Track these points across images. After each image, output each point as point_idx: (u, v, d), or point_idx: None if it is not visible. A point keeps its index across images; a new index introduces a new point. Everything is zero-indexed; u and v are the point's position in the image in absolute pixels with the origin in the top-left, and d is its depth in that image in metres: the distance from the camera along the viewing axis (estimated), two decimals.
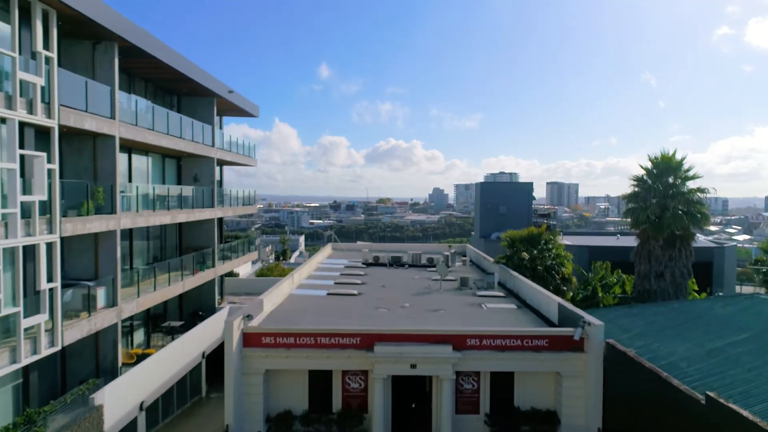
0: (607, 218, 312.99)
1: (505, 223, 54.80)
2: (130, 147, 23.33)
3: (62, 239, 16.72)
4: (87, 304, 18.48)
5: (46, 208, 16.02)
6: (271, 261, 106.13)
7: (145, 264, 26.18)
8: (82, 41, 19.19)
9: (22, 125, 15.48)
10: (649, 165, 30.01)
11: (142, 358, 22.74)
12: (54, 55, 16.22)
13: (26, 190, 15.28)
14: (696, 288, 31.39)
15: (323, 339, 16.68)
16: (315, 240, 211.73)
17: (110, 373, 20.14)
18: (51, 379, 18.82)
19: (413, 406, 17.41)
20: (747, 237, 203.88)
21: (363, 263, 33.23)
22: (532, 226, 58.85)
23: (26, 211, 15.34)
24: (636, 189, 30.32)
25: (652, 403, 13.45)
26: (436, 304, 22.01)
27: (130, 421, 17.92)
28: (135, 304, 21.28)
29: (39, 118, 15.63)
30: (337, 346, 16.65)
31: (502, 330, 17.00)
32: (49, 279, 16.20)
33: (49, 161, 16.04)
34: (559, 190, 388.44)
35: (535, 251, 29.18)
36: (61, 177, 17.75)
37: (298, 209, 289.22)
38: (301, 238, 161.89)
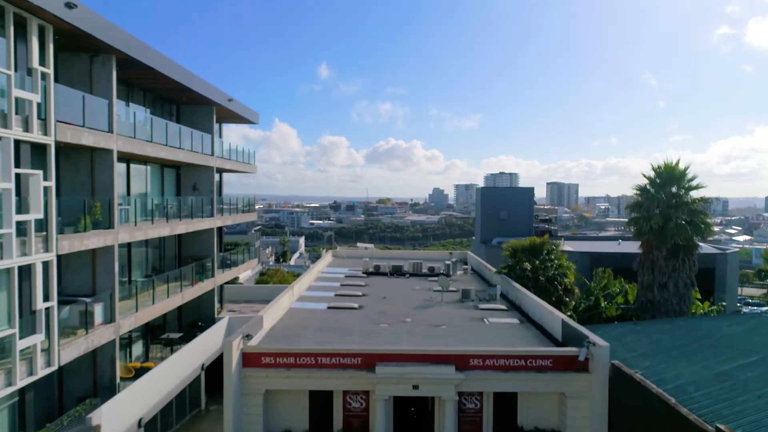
0: (607, 218, 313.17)
1: (506, 229, 54.66)
2: (129, 158, 23.06)
3: (59, 255, 16.47)
4: (84, 321, 18.21)
5: (42, 225, 15.76)
6: (271, 263, 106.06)
7: (144, 275, 25.93)
8: (80, 54, 18.91)
9: (18, 143, 15.24)
10: (652, 174, 29.79)
11: (140, 371, 22.47)
12: (50, 70, 15.95)
13: (22, 208, 15.01)
14: (699, 296, 31.18)
15: (324, 359, 16.43)
16: (315, 240, 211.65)
17: (108, 389, 19.89)
18: (48, 397, 18.57)
19: (415, 416, 17.15)
20: (747, 237, 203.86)
21: (364, 272, 32.97)
22: (533, 231, 59.17)
23: (22, 230, 15.09)
24: (639, 198, 30.13)
25: (660, 431, 13.21)
26: (438, 319, 21.76)
27: None
28: (133, 319, 21.02)
29: (35, 136, 15.36)
30: (338, 366, 16.40)
31: (505, 350, 16.75)
32: (46, 298, 15.93)
33: (45, 178, 15.78)
34: (560, 191, 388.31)
35: (537, 261, 28.92)
36: (58, 191, 17.50)
37: (298, 210, 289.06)
38: (301, 240, 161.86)
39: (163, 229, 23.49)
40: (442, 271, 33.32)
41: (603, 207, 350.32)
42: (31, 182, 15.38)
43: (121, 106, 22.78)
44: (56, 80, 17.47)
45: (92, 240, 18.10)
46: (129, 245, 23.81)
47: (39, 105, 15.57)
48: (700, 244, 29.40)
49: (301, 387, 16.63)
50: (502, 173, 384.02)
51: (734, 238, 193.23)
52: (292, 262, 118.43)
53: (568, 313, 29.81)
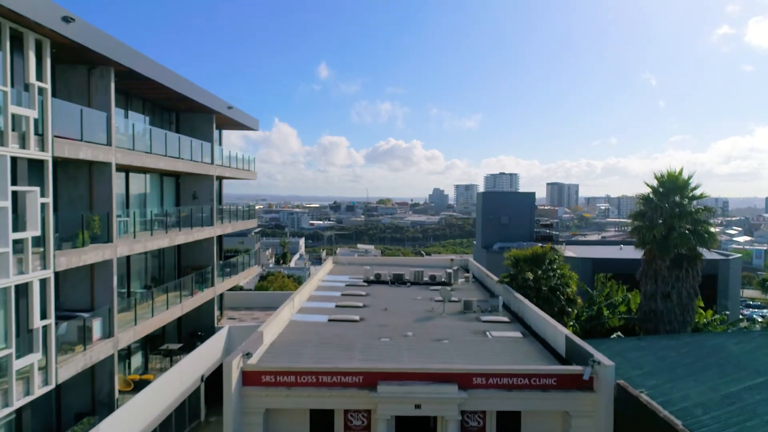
0: (608, 219, 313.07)
1: (508, 234, 54.44)
2: (128, 168, 22.83)
3: (56, 272, 16.24)
4: (82, 336, 17.99)
5: (39, 241, 15.53)
6: (271, 265, 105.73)
7: (144, 285, 25.72)
8: (77, 66, 18.68)
9: (14, 159, 15.01)
10: (655, 183, 29.61)
11: (139, 384, 22.27)
12: (47, 85, 15.71)
13: (19, 226, 14.77)
14: (702, 305, 30.97)
15: (325, 377, 16.20)
16: (315, 241, 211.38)
17: (107, 405, 19.66)
18: (45, 414, 18.34)
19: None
20: (748, 238, 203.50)
21: (364, 281, 32.75)
22: (534, 236, 58.98)
23: (19, 248, 14.86)
24: (642, 207, 29.97)
25: None
26: (440, 332, 21.54)
27: None
28: (132, 333, 20.78)
29: (32, 152, 15.12)
30: (339, 385, 16.18)
31: (509, 368, 16.53)
32: (43, 316, 15.70)
33: (42, 195, 15.53)
34: (560, 191, 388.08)
35: (539, 271, 28.70)
36: (56, 205, 17.26)
37: (298, 210, 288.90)
38: (301, 241, 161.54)
39: (162, 241, 23.25)
40: (443, 279, 33.10)
41: (603, 207, 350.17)
42: (28, 199, 15.14)
43: (120, 116, 22.54)
44: (54, 93, 17.27)
45: (90, 255, 17.86)
46: (128, 257, 23.59)
47: (36, 120, 15.34)
48: (704, 252, 29.16)
49: (302, 406, 16.41)
50: (502, 173, 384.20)
51: (734, 239, 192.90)
52: (292, 263, 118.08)
53: (571, 323, 29.62)
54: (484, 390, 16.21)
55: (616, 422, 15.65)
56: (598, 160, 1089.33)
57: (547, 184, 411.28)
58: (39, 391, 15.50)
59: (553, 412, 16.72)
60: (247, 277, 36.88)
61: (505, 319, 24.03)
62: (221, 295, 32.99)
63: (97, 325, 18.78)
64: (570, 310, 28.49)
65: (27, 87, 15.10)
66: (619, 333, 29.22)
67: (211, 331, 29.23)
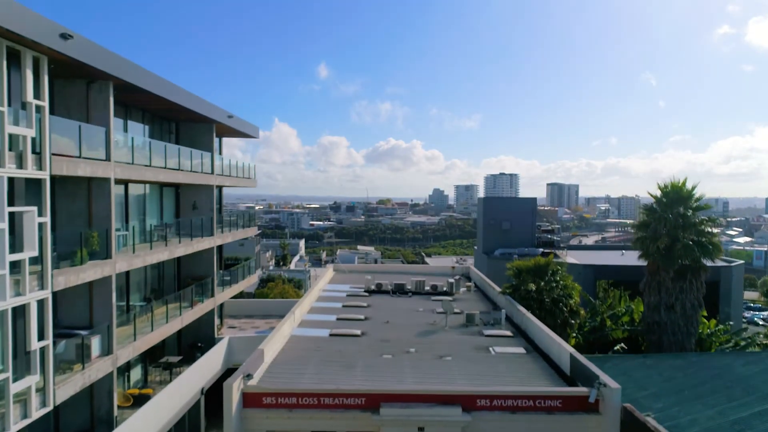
0: (608, 219, 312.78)
1: (509, 240, 54.20)
2: (127, 181, 22.61)
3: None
4: (81, 354, 17.78)
5: (37, 261, 15.29)
6: (271, 267, 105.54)
7: (143, 298, 25.51)
8: (76, 81, 18.45)
9: (12, 179, 14.78)
10: (658, 193, 29.38)
11: (139, 399, 22.06)
12: (45, 103, 15.48)
13: (16, 247, 14.53)
14: (705, 314, 30.75)
15: (326, 399, 15.94)
16: (315, 242, 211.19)
17: (106, 422, 19.46)
18: None
19: None
20: (748, 239, 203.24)
21: (365, 291, 32.52)
22: (535, 242, 58.66)
23: (16, 269, 14.62)
24: (645, 218, 29.76)
25: None
26: (443, 348, 21.30)
27: None
28: (131, 349, 20.57)
29: (29, 172, 14.89)
30: (341, 407, 15.92)
31: (513, 390, 16.27)
32: (41, 337, 15.48)
33: (40, 214, 15.30)
34: (560, 191, 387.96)
35: (542, 282, 28.45)
36: (54, 222, 17.04)
37: (298, 210, 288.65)
38: (301, 242, 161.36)
39: (162, 254, 23.02)
40: (445, 289, 32.86)
41: (603, 208, 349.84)
42: (26, 219, 14.91)
43: (119, 127, 22.30)
44: (52, 107, 17.04)
45: (89, 273, 17.64)
46: (127, 270, 23.36)
47: (33, 139, 15.10)
48: (708, 264, 28.91)
49: (304, 428, 16.12)
50: (502, 174, 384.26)
51: (735, 239, 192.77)
52: (292, 265, 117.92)
53: (574, 335, 29.39)
54: (488, 412, 15.94)
55: None
56: (598, 160, 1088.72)
57: (547, 184, 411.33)
58: (37, 413, 15.28)
59: None
60: (248, 284, 36.67)
61: (508, 333, 23.79)
62: (221, 305, 32.77)
63: (95, 343, 18.57)
64: (573, 321, 28.24)
65: (24, 105, 14.87)
66: (622, 345, 29.03)
67: (211, 341, 29.00)
